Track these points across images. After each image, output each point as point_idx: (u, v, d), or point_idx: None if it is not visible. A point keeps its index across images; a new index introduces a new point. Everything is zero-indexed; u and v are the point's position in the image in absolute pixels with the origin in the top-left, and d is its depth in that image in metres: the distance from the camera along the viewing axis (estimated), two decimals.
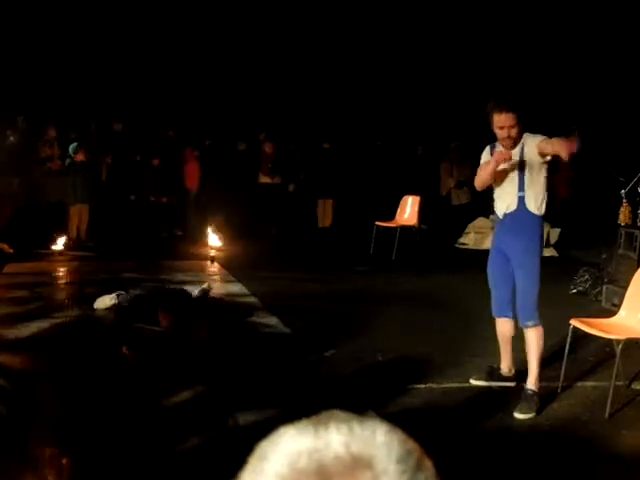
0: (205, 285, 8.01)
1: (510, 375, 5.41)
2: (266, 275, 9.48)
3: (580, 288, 8.52)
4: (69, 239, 11.63)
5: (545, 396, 5.08)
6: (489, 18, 15.90)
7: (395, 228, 11.48)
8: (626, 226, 7.87)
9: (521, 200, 4.94)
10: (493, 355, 5.52)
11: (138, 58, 15.83)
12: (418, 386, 5.40)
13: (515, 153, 4.93)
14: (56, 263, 10.46)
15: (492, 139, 5.22)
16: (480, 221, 12.49)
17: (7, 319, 7.15)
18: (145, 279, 8.94)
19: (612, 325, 5.23)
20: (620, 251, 7.94)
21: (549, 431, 4.68)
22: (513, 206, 4.98)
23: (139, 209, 13.32)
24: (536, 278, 4.97)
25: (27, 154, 12.58)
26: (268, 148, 14.15)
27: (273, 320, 7.28)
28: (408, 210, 11.95)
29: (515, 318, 5.18)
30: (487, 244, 9.81)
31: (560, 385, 5.30)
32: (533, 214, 4.97)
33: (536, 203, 4.95)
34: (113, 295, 7.55)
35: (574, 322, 5.24)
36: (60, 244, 11.08)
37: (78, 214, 12.07)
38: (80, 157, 11.77)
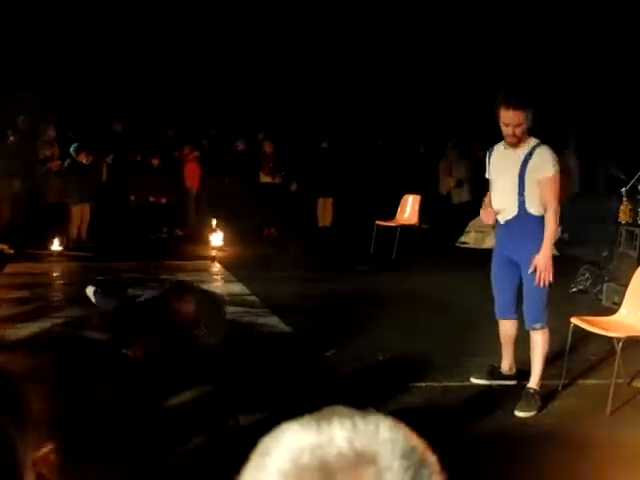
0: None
1: (511, 374, 5.40)
2: (267, 275, 9.46)
3: (581, 286, 8.51)
4: (69, 239, 11.62)
5: (546, 394, 5.08)
6: (489, 18, 15.89)
7: (395, 227, 11.48)
8: (626, 224, 7.86)
9: (522, 204, 4.87)
10: (494, 354, 5.51)
11: (138, 58, 15.83)
12: (419, 385, 5.40)
13: (521, 155, 4.83)
14: (56, 263, 10.45)
15: (491, 137, 5.20)
16: (481, 220, 12.44)
17: (7, 319, 7.14)
18: (145, 279, 8.92)
19: (613, 323, 5.23)
20: (620, 249, 7.93)
21: (550, 429, 4.67)
22: (514, 211, 4.91)
23: (139, 209, 13.31)
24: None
25: (27, 154, 12.56)
26: (268, 148, 14.15)
27: (274, 320, 7.27)
28: (408, 209, 11.94)
29: (518, 319, 5.17)
30: (488, 243, 9.81)
31: (561, 383, 5.30)
32: (535, 216, 4.89)
33: (537, 205, 4.88)
34: (91, 289, 7.11)
35: (575, 320, 5.23)
36: (60, 245, 11.07)
37: (79, 214, 12.05)
38: (82, 158, 11.76)
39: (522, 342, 5.23)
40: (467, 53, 16.05)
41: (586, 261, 9.09)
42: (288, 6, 16.29)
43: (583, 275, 8.56)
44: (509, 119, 4.74)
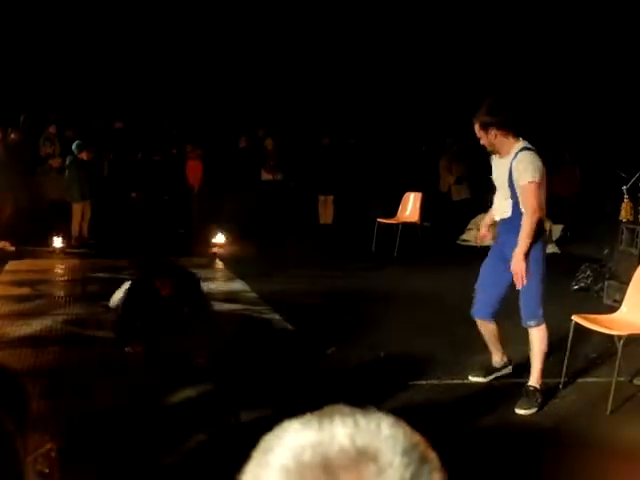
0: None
1: (504, 362, 5.44)
2: (268, 272, 9.46)
3: (582, 284, 8.51)
4: (71, 236, 11.62)
5: (547, 392, 5.09)
6: (490, 17, 15.89)
7: (397, 225, 11.48)
8: (627, 222, 7.86)
9: (514, 206, 4.92)
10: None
11: (139, 56, 15.83)
12: (420, 382, 5.40)
13: (507, 162, 4.91)
14: (57, 261, 10.45)
15: None
16: (481, 217, 12.45)
17: (9, 317, 7.15)
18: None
19: (614, 321, 5.24)
20: (621, 247, 7.93)
21: (550, 427, 4.68)
22: (508, 212, 4.99)
23: (141, 207, 13.31)
24: (538, 278, 4.92)
25: (29, 152, 12.57)
26: (270, 145, 14.15)
27: (275, 317, 7.28)
28: (410, 207, 11.93)
29: (495, 318, 5.23)
30: (489, 241, 9.80)
31: (562, 381, 5.31)
32: None
33: None
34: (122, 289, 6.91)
35: (576, 318, 5.24)
36: (61, 242, 11.07)
37: (81, 211, 12.06)
38: (84, 156, 11.76)
39: (522, 342, 5.23)
40: (467, 52, 16.05)
41: (587, 259, 9.10)
42: (289, 4, 16.29)
43: (584, 273, 8.56)
44: (475, 130, 4.97)
